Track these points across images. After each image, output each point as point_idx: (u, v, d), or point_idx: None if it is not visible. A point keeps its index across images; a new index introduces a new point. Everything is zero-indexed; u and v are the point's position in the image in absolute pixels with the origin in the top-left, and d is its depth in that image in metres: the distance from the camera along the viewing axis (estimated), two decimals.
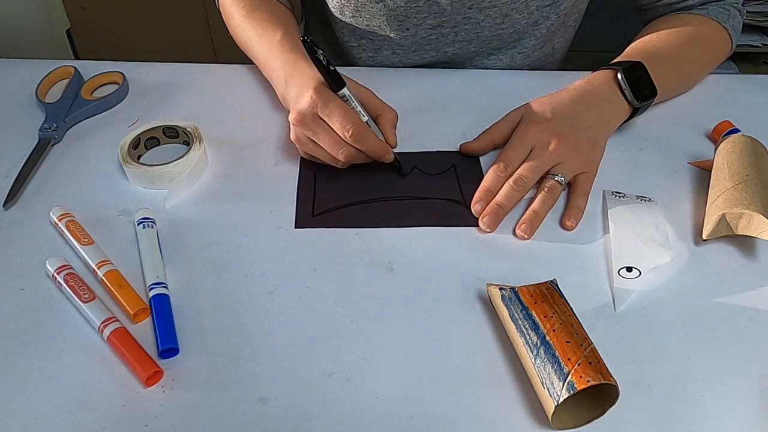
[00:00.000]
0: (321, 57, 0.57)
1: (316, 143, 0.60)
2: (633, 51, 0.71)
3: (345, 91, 0.58)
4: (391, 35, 0.79)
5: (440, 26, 0.78)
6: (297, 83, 0.62)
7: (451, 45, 0.80)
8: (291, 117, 0.59)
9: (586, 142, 0.62)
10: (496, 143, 0.65)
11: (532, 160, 0.60)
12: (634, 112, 0.67)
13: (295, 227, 0.58)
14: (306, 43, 0.56)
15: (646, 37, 0.73)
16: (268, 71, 0.70)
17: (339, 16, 0.80)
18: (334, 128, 0.58)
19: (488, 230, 0.57)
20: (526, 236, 0.57)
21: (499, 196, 0.59)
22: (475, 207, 0.59)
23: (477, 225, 0.58)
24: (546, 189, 0.59)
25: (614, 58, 0.70)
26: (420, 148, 0.67)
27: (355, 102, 0.59)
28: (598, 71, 0.68)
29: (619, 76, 0.66)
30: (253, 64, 0.77)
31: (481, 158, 0.66)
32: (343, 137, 0.58)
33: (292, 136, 0.61)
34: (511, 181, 0.59)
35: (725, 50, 0.77)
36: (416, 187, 0.62)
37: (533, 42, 0.82)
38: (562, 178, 0.60)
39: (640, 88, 0.66)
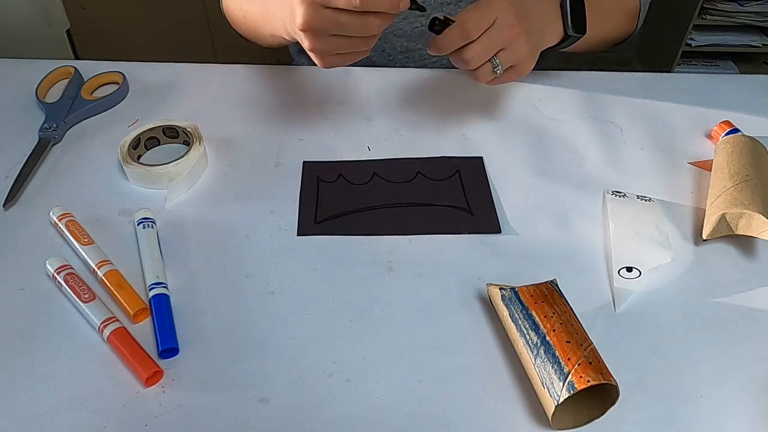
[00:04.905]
0: None
1: (336, 26, 0.54)
2: None
3: None
4: (372, 56, 0.74)
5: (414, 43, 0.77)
6: (279, 8, 0.61)
7: (430, 57, 0.79)
8: (298, 29, 0.55)
9: (533, 44, 0.63)
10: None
11: (492, 36, 0.60)
12: (559, 44, 0.67)
13: (298, 234, 0.57)
14: None
15: None
16: (270, 17, 0.66)
17: None
18: None
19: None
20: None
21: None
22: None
23: (482, 233, 0.57)
24: (480, 67, 0.61)
25: (613, 58, 0.70)
26: (420, 147, 0.67)
27: None
28: None
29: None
30: (253, 64, 0.76)
31: (487, 164, 0.65)
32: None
33: (310, 47, 0.56)
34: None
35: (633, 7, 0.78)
36: (420, 193, 0.62)
37: None
38: (499, 69, 0.61)
39: (576, 23, 0.67)
